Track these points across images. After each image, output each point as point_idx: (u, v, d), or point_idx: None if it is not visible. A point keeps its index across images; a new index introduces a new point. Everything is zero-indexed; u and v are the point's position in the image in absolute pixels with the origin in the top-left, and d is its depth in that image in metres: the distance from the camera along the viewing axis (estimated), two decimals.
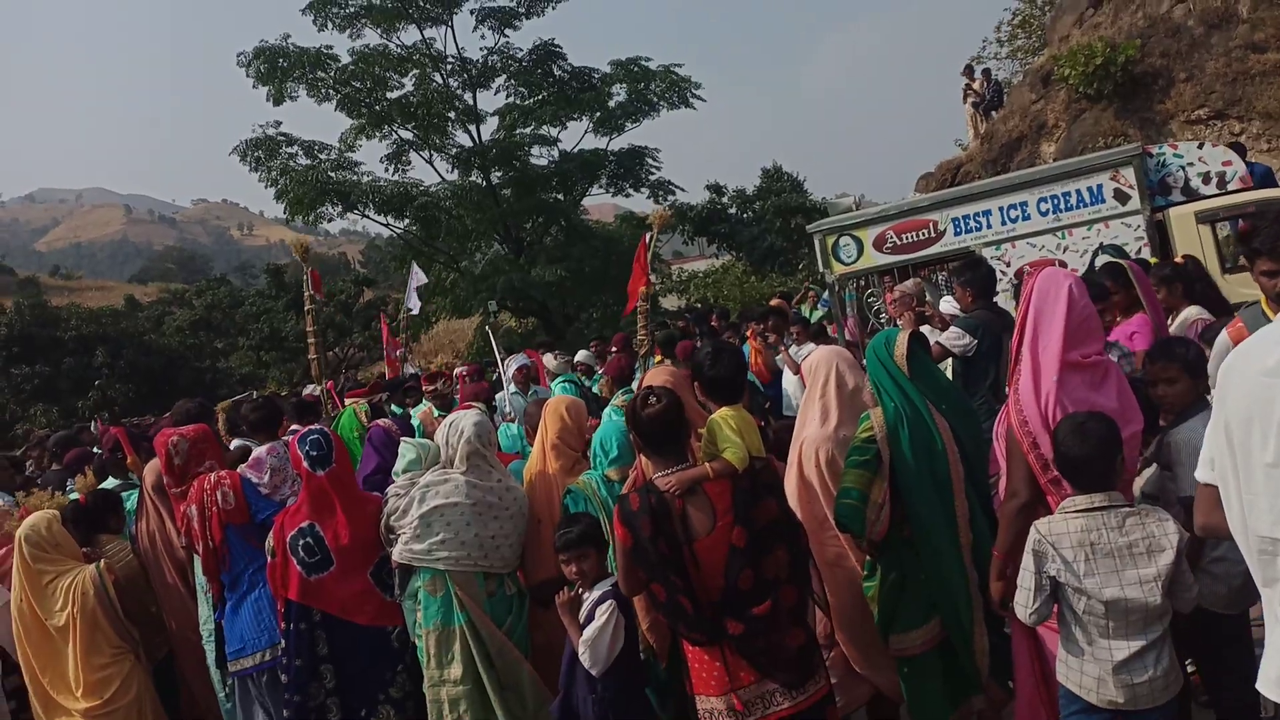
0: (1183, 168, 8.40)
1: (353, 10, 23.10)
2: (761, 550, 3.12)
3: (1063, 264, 8.50)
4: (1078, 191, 8.56)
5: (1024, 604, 3.03)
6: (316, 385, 8.44)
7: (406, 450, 4.38)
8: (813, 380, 3.82)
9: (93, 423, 16.48)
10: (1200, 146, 8.59)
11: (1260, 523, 2.04)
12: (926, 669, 3.53)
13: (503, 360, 8.72)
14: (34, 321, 32.62)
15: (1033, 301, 3.33)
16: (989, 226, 8.89)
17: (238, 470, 4.71)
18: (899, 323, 6.86)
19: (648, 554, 3.08)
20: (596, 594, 3.52)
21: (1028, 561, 3.02)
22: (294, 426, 6.16)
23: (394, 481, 4.30)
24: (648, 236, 7.64)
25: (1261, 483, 2.03)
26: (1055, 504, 3.18)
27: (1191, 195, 8.35)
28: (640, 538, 3.08)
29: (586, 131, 24.98)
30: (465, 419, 4.26)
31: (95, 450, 7.98)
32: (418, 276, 10.03)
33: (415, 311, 10.37)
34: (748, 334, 9.19)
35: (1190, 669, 3.47)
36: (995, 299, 6.33)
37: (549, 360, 9.82)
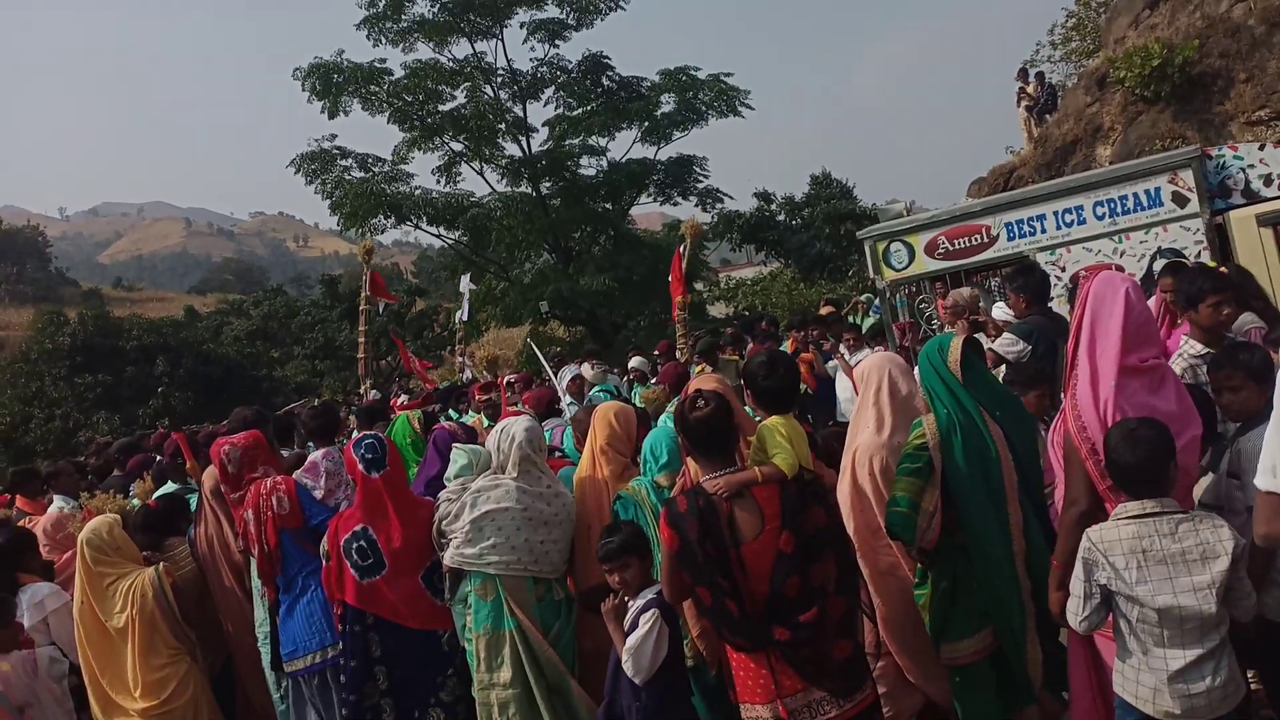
0: (1243, 170, 8.19)
1: (406, 25, 23.49)
2: (809, 558, 3.10)
3: (1120, 268, 8.34)
4: (1135, 195, 8.39)
5: (1075, 612, 3.00)
6: (368, 388, 8.61)
7: (459, 456, 4.43)
8: (865, 387, 3.79)
9: (154, 430, 16.89)
10: (1261, 148, 8.36)
11: None
12: (979, 679, 3.48)
13: (552, 370, 8.78)
14: (97, 332, 33.48)
15: (1089, 306, 3.26)
16: (1043, 231, 8.74)
17: (293, 476, 4.80)
18: (950, 330, 6.80)
19: (694, 557, 3.08)
20: (640, 602, 3.52)
21: (1078, 570, 2.99)
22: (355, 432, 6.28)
23: (446, 486, 4.36)
24: (682, 247, 7.68)
25: None
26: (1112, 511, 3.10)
27: (1252, 198, 8.13)
28: (687, 540, 3.08)
29: (635, 141, 25.10)
30: (517, 425, 4.30)
31: (156, 457, 8.18)
32: (467, 287, 10.19)
33: (466, 319, 10.49)
34: (788, 343, 9.14)
35: (1253, 681, 3.38)
36: (1050, 304, 6.23)
37: (586, 370, 9.87)
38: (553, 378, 9.35)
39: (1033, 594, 3.42)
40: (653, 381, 9.00)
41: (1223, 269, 6.28)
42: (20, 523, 6.75)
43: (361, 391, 8.74)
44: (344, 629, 4.26)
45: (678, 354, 8.05)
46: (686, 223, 8.61)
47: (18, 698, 3.96)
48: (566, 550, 4.22)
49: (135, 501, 5.82)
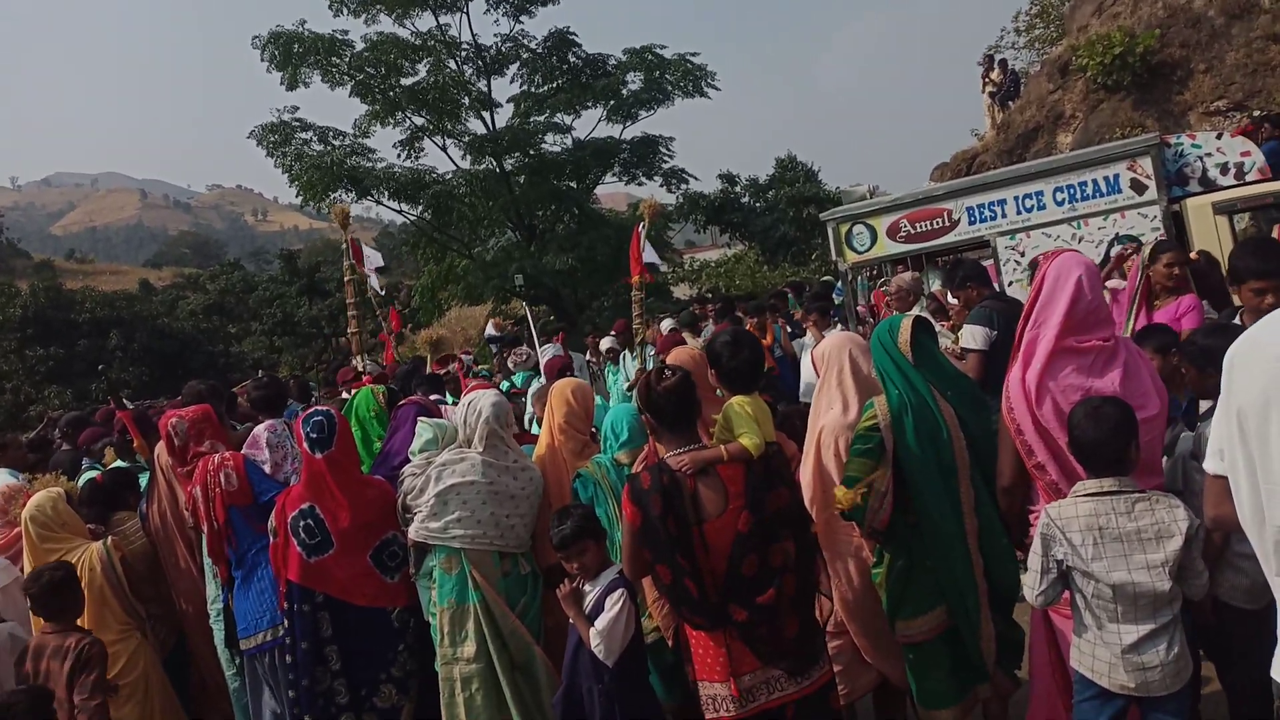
0: (1200, 158, 8.31)
1: None
2: (769, 537, 3.11)
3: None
4: (1094, 181, 8.48)
5: (1031, 586, 3.05)
6: (359, 359, 8.52)
7: (424, 430, 4.39)
8: (826, 368, 3.79)
9: (105, 404, 16.60)
10: (1219, 137, 8.49)
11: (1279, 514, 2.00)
12: (932, 656, 3.51)
13: (537, 342, 8.79)
14: (49, 304, 32.87)
15: (1042, 288, 3.32)
16: (1004, 216, 8.82)
17: (241, 451, 4.72)
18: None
19: (656, 534, 3.07)
20: (603, 583, 3.50)
21: (1036, 544, 3.04)
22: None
23: (410, 461, 4.31)
24: (640, 226, 7.66)
25: None
26: (1041, 489, 3.25)
27: (1209, 186, 8.26)
28: (650, 516, 3.07)
29: (600, 120, 24.96)
30: (483, 399, 4.25)
31: (117, 433, 8.05)
32: (371, 259, 9.94)
33: (381, 291, 10.24)
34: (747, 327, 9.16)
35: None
36: (994, 286, 6.30)
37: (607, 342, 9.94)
38: (536, 351, 9.33)
39: (985, 572, 3.45)
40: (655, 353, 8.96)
41: (1194, 255, 6.38)
42: None
43: (360, 367, 8.62)
44: (290, 608, 4.19)
45: (634, 333, 8.06)
46: (645, 202, 8.57)
47: None
48: (532, 525, 4.19)
49: (90, 476, 5.70)
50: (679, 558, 3.07)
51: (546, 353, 8.83)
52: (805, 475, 3.68)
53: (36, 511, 4.66)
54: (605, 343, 10.62)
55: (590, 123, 24.89)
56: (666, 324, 10.83)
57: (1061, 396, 3.16)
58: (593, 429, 4.56)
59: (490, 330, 15.94)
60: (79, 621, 4.23)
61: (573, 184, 25.20)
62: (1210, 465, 2.25)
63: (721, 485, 3.13)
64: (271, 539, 4.29)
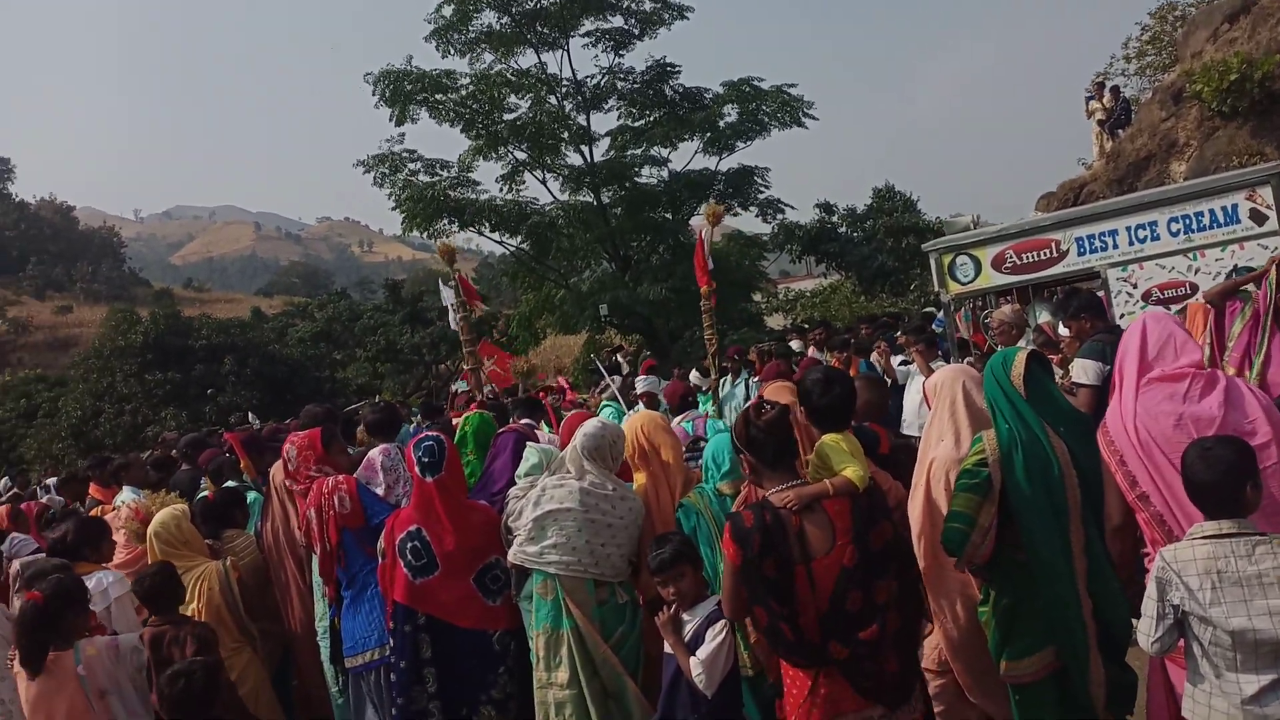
0: None
1: (473, 36, 23.79)
2: (873, 573, 3.08)
3: (1194, 286, 8.12)
4: (1211, 211, 8.17)
5: (1147, 633, 2.94)
6: (485, 393, 8.75)
7: (530, 454, 4.49)
8: (939, 400, 3.74)
9: (221, 426, 17.30)
10: None
11: None
12: (1040, 697, 3.40)
13: (612, 381, 8.84)
14: (167, 330, 34.37)
15: (1123, 339, 3.58)
16: (1115, 247, 8.55)
17: (354, 475, 4.88)
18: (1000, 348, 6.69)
19: (754, 575, 3.04)
20: (702, 614, 3.50)
21: (1151, 589, 2.94)
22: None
23: (515, 484, 4.41)
24: (704, 232, 7.60)
25: None
26: (1144, 520, 3.26)
27: None
28: (749, 557, 3.04)
29: (697, 151, 25.10)
30: (585, 426, 4.32)
31: (228, 454, 8.40)
32: (446, 296, 10.10)
33: (454, 327, 10.42)
34: (832, 361, 9.05)
35: None
36: (1109, 319, 6.11)
37: (694, 376, 9.93)
38: (614, 389, 9.37)
39: (1094, 613, 3.33)
40: (755, 379, 8.89)
41: None
42: (93, 511, 6.98)
43: (481, 395, 8.85)
44: (395, 628, 4.31)
45: (706, 345, 8.01)
46: (708, 207, 8.51)
47: (99, 683, 4.06)
48: (631, 554, 4.20)
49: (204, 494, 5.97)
50: (773, 602, 3.03)
51: (640, 385, 8.84)
52: (914, 509, 3.61)
53: (161, 528, 4.89)
54: (692, 377, 10.54)
55: (686, 155, 25.00)
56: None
57: (1155, 424, 3.20)
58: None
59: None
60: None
61: (668, 215, 25.36)
62: None
63: (828, 521, 3.09)
64: (380, 560, 4.42)
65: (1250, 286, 5.58)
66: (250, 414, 14.08)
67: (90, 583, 4.51)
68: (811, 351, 10.85)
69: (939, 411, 3.73)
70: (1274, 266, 5.26)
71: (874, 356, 9.07)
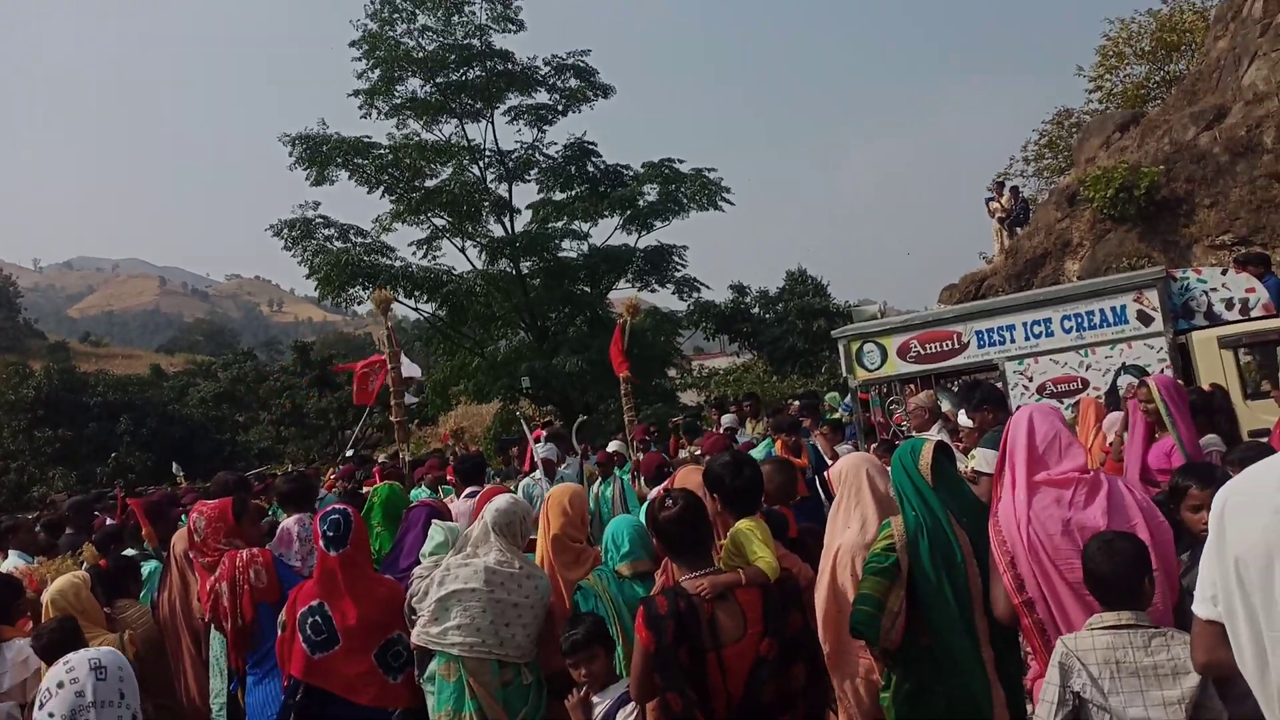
0: (1206, 292, 8.49)
1: (398, 101, 23.93)
2: (785, 663, 3.11)
3: (1085, 382, 8.54)
4: (1101, 311, 8.64)
5: (1045, 717, 3.00)
6: (401, 449, 8.61)
7: (435, 533, 4.44)
8: (843, 487, 3.81)
9: (113, 488, 16.61)
10: (1224, 273, 8.69)
11: None
12: None
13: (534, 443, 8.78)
14: (61, 386, 33.10)
15: (1008, 432, 3.57)
16: (1012, 341, 8.96)
17: (267, 547, 4.76)
18: (915, 434, 6.91)
19: (669, 661, 3.04)
20: (613, 695, 3.49)
21: (1052, 674, 3.00)
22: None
23: (420, 563, 4.34)
24: (622, 323, 7.83)
25: None
26: (1025, 626, 3.29)
27: (1214, 320, 8.41)
28: (663, 643, 3.04)
29: (616, 227, 25.49)
30: (495, 501, 4.30)
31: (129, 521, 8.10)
32: (410, 368, 10.03)
33: (413, 404, 10.36)
34: (776, 444, 9.19)
35: None
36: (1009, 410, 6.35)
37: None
38: (534, 448, 9.32)
39: (1006, 702, 3.41)
40: (628, 463, 8.97)
41: (1208, 388, 6.48)
42: None
43: (402, 456, 8.71)
44: (288, 702, 4.17)
45: (627, 427, 8.13)
46: (626, 300, 8.77)
47: None
48: (536, 634, 4.16)
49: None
50: (690, 689, 3.04)
51: (540, 451, 8.69)
52: (819, 593, 3.64)
53: (59, 596, 4.67)
54: (611, 446, 10.59)
55: (606, 230, 25.30)
56: (727, 418, 10.83)
57: (1043, 529, 3.25)
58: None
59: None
60: None
61: (587, 288, 25.59)
62: (1202, 611, 2.22)
63: (739, 610, 3.11)
64: (279, 632, 4.30)
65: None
66: (175, 465, 13.59)
67: (10, 651, 4.26)
68: (737, 423, 10.93)
69: (844, 498, 3.80)
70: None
71: (819, 441, 9.21)
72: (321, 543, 4.27)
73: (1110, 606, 2.99)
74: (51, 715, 2.72)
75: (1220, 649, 2.17)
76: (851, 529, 3.69)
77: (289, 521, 4.87)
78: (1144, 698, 2.85)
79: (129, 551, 6.12)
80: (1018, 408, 8.07)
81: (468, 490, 6.20)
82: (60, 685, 2.77)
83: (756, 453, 8.29)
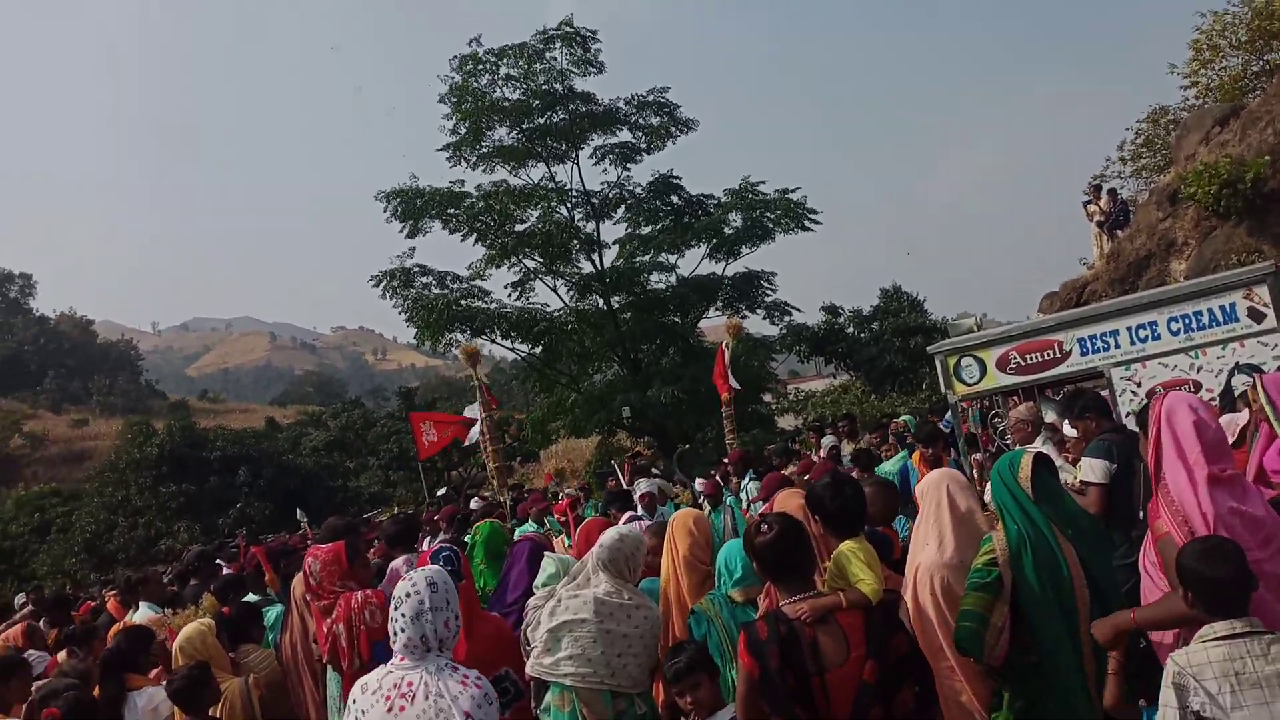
0: None
1: (485, 150, 24.57)
2: (892, 686, 3.08)
3: (1197, 384, 8.22)
4: (1210, 310, 8.31)
5: None
6: (501, 494, 8.85)
7: (548, 564, 4.53)
8: (925, 504, 3.77)
9: (233, 539, 17.32)
10: None
11: None
12: None
13: (626, 484, 8.84)
14: (183, 442, 34.62)
15: (1163, 422, 3.38)
16: (1117, 346, 8.67)
17: (382, 589, 4.92)
18: (1021, 447, 6.76)
19: (774, 686, 3.04)
20: None
21: (1167, 696, 2.85)
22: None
23: (534, 594, 4.43)
24: (725, 344, 7.82)
25: None
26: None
27: None
28: (768, 669, 3.05)
29: (704, 257, 25.58)
30: (605, 535, 4.37)
31: (225, 569, 8.47)
32: (473, 410, 10.31)
33: (476, 437, 10.61)
34: (914, 457, 9.06)
35: None
36: (1113, 418, 6.17)
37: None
38: (623, 486, 9.38)
39: (1107, 718, 3.33)
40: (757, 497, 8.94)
41: None
42: (111, 630, 6.97)
43: (501, 499, 8.97)
44: None
45: (726, 449, 8.14)
46: (729, 321, 8.77)
47: None
48: (649, 665, 4.17)
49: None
50: (798, 711, 3.03)
51: (641, 486, 8.70)
52: (902, 613, 3.62)
53: (186, 644, 4.91)
54: (643, 486, 10.48)
55: (693, 260, 25.45)
56: (827, 440, 10.75)
57: (1227, 524, 3.14)
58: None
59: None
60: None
61: (677, 319, 25.72)
62: None
63: (842, 633, 3.10)
64: None
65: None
66: (299, 511, 14.17)
67: (140, 699, 4.50)
68: (842, 443, 10.83)
69: (925, 516, 3.76)
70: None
71: (918, 464, 9.08)
72: None
73: (1223, 615, 2.86)
74: None
75: None
76: (930, 547, 3.65)
77: (398, 561, 5.05)
78: (1270, 709, 2.71)
79: (252, 597, 6.40)
80: (1126, 415, 7.84)
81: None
82: None
83: (891, 465, 8.21)
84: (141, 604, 7.20)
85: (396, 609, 3.05)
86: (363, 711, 2.97)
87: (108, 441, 57.00)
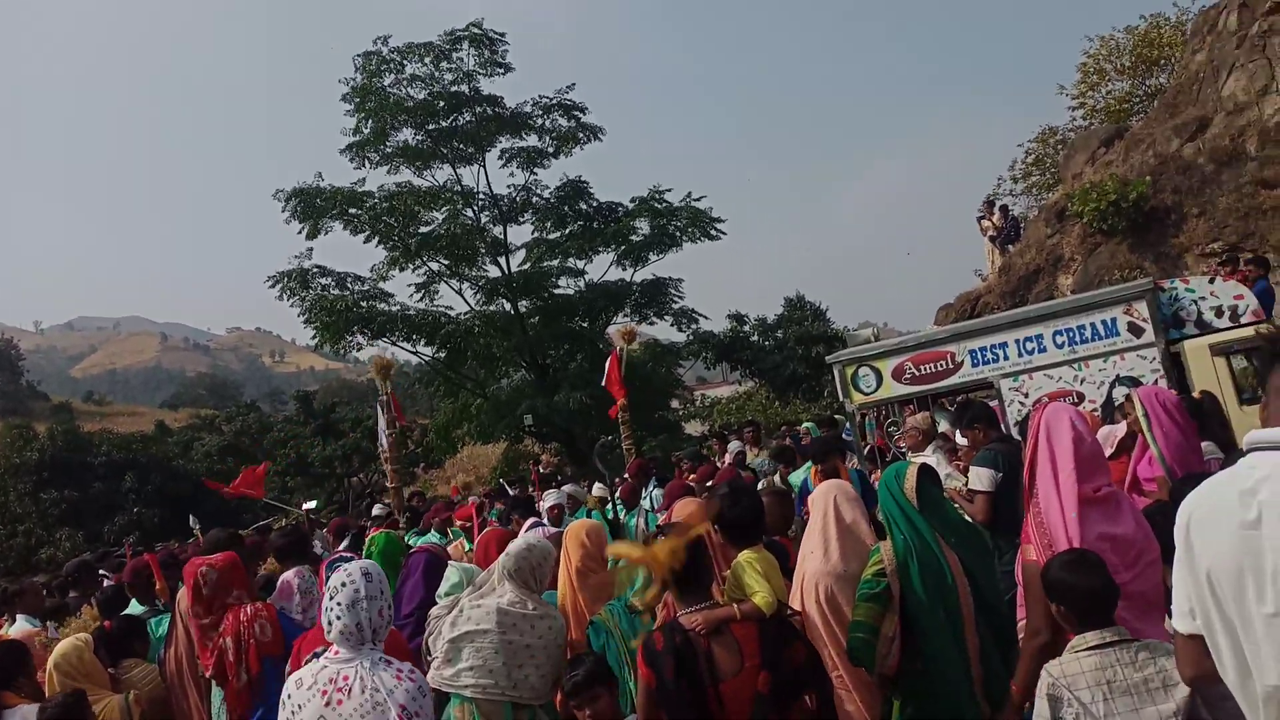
0: (1195, 301, 8.56)
1: (390, 151, 24.14)
2: (788, 697, 3.11)
3: (1080, 395, 8.58)
4: (1092, 324, 8.71)
5: None
6: (404, 514, 8.66)
7: (451, 574, 4.48)
8: (814, 514, 3.85)
9: (118, 548, 16.60)
10: (1211, 281, 8.77)
11: (1269, 673, 2.02)
12: None
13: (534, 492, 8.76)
14: (65, 447, 33.11)
15: (1040, 435, 3.43)
16: (1006, 358, 9.03)
17: (271, 602, 4.78)
18: (910, 456, 6.95)
19: (671, 696, 3.06)
20: None
21: (1041, 708, 2.93)
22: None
23: (436, 604, 4.36)
24: (618, 350, 7.88)
25: (1263, 632, 2.01)
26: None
27: (1205, 328, 8.48)
28: (663, 679, 3.07)
29: (612, 263, 25.62)
30: (513, 544, 4.32)
31: (109, 580, 8.13)
32: (382, 420, 10.23)
33: (385, 450, 10.55)
34: (811, 473, 9.19)
35: None
36: (1001, 428, 6.40)
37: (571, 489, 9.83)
38: (538, 500, 9.28)
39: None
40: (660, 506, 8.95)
41: (1196, 395, 6.53)
42: None
43: (396, 516, 8.78)
44: None
45: (624, 455, 8.15)
46: (620, 328, 8.86)
47: None
48: (552, 676, 4.13)
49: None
50: None
51: (549, 499, 8.58)
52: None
53: (62, 660, 4.69)
54: (596, 489, 10.44)
55: (602, 265, 25.45)
56: (734, 445, 10.82)
57: (1094, 544, 3.18)
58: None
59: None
60: None
61: (585, 324, 25.68)
62: (1183, 625, 2.24)
63: (736, 644, 3.12)
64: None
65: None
66: (191, 518, 13.67)
67: (15, 718, 4.27)
68: (747, 449, 10.92)
69: (812, 526, 3.84)
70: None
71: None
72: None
73: (1092, 625, 2.94)
74: None
75: (1206, 661, 2.19)
76: (815, 555, 3.73)
77: (289, 574, 4.91)
78: (1139, 715, 2.80)
79: (139, 608, 6.14)
80: (1014, 424, 8.11)
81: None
82: None
83: (797, 475, 8.34)
84: (19, 616, 6.87)
85: (331, 598, 3.09)
86: (299, 706, 2.99)
87: None
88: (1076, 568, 2.98)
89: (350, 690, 2.94)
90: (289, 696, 3.05)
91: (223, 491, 11.85)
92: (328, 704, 2.93)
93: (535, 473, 11.48)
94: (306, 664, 3.15)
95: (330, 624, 3.07)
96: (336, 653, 3.05)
